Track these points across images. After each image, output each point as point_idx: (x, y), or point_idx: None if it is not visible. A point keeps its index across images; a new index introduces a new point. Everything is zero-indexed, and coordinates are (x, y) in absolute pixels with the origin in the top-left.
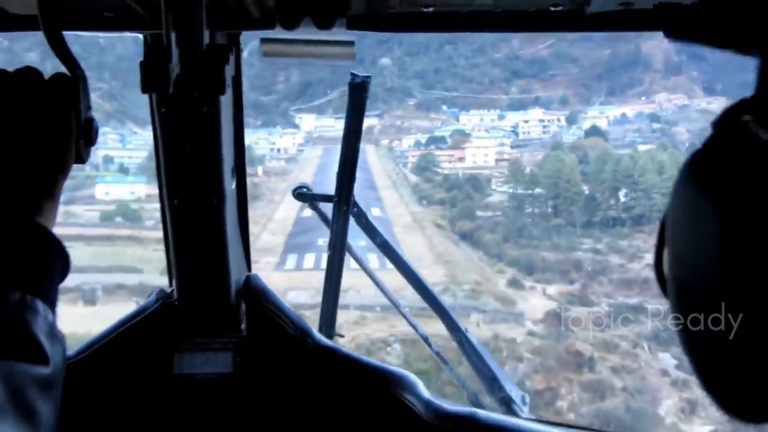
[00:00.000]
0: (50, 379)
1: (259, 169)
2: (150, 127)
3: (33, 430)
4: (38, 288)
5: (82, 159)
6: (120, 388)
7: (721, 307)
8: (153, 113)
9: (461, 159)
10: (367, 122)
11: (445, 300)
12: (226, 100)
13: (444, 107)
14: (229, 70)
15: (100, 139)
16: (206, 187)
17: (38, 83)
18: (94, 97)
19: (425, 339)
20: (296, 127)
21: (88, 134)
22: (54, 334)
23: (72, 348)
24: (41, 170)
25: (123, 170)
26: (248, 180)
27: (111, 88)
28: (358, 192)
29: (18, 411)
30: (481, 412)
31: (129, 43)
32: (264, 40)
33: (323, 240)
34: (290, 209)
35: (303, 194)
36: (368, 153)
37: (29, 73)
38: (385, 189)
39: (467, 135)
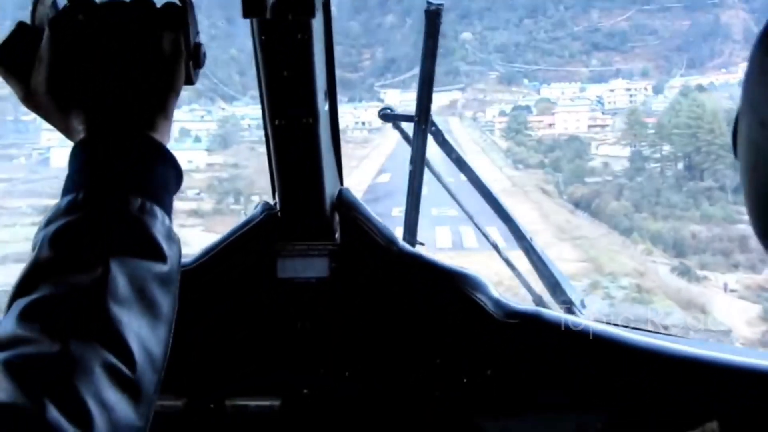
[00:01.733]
0: (169, 275)
1: (350, 137)
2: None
3: (155, 320)
4: (156, 195)
5: (191, 80)
6: (231, 290)
7: None
8: (254, 42)
9: (551, 125)
10: (450, 96)
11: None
12: (317, 28)
13: (525, 80)
14: None
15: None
16: (302, 108)
17: (152, 10)
18: None
19: (495, 246)
20: (381, 101)
21: (197, 57)
22: (171, 236)
23: (190, 256)
24: (155, 89)
25: (197, 140)
26: None
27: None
28: (443, 159)
29: (142, 302)
30: (546, 311)
31: (218, 25)
32: None
33: (399, 209)
34: (365, 175)
35: (386, 115)
36: (452, 124)
37: (144, 0)
38: (474, 154)
39: (553, 103)
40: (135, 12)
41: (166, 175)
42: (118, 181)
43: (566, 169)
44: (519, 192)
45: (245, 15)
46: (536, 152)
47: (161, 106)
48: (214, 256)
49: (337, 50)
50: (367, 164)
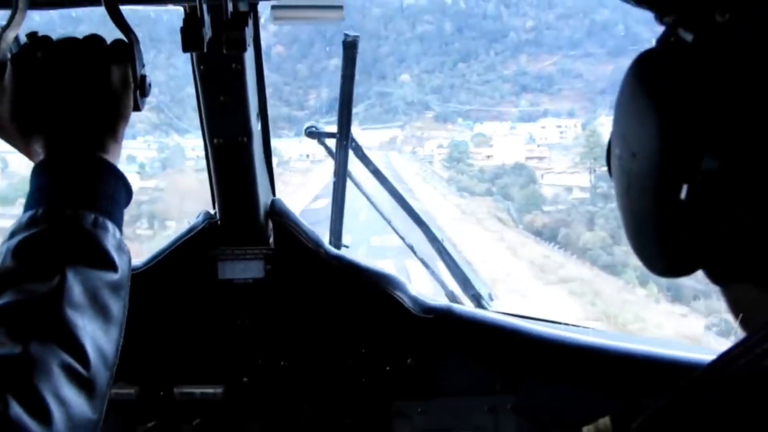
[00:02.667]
0: (119, 282)
1: (285, 170)
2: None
3: (107, 322)
4: (107, 210)
5: (138, 107)
6: (177, 290)
7: (653, 176)
8: (194, 71)
9: (489, 156)
10: (390, 133)
11: None
12: (249, 59)
13: (459, 119)
14: (248, 32)
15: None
16: (238, 129)
17: (102, 47)
18: (144, 110)
19: (411, 248)
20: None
21: (142, 87)
22: (121, 247)
23: (140, 260)
24: (106, 116)
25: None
26: (277, 178)
27: (159, 102)
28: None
29: (96, 307)
30: (456, 306)
31: (176, 65)
32: (274, 7)
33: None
34: (301, 202)
35: (312, 132)
36: (392, 158)
37: (95, 38)
38: (416, 183)
39: (488, 138)
40: (87, 49)
41: (116, 191)
42: (73, 198)
43: (518, 196)
44: (472, 220)
45: (185, 49)
46: (480, 181)
47: (111, 131)
48: (162, 260)
49: (286, 90)
50: (305, 191)
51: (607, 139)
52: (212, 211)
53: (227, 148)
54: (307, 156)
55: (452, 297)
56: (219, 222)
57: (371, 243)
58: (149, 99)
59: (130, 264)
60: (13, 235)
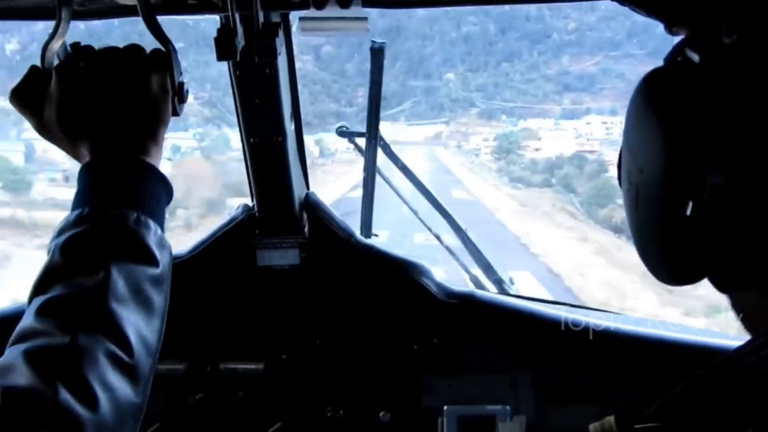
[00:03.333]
0: (160, 277)
1: (330, 160)
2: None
3: (150, 314)
4: (149, 209)
5: (177, 112)
6: (219, 276)
7: (659, 192)
8: (231, 76)
9: (537, 150)
10: (435, 128)
11: None
12: (282, 64)
13: (503, 116)
14: (280, 41)
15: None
16: (272, 129)
17: (142, 56)
18: (197, 104)
19: (437, 237)
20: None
21: (180, 93)
22: (162, 243)
23: (184, 249)
24: (146, 121)
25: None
26: (320, 168)
27: (211, 97)
28: (434, 179)
29: (138, 300)
30: (478, 292)
31: (224, 63)
32: (302, 19)
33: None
34: (340, 190)
35: (343, 132)
36: (438, 153)
37: (135, 48)
38: (464, 174)
39: (535, 132)
40: (127, 58)
41: (157, 191)
42: (116, 198)
43: (584, 188)
44: (536, 213)
45: (219, 58)
46: (533, 172)
47: (152, 135)
48: (204, 248)
49: (335, 87)
50: (345, 180)
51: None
52: (250, 204)
53: (263, 147)
54: (356, 148)
55: (476, 281)
56: (257, 213)
57: (414, 241)
58: (202, 94)
59: (171, 259)
60: (61, 232)
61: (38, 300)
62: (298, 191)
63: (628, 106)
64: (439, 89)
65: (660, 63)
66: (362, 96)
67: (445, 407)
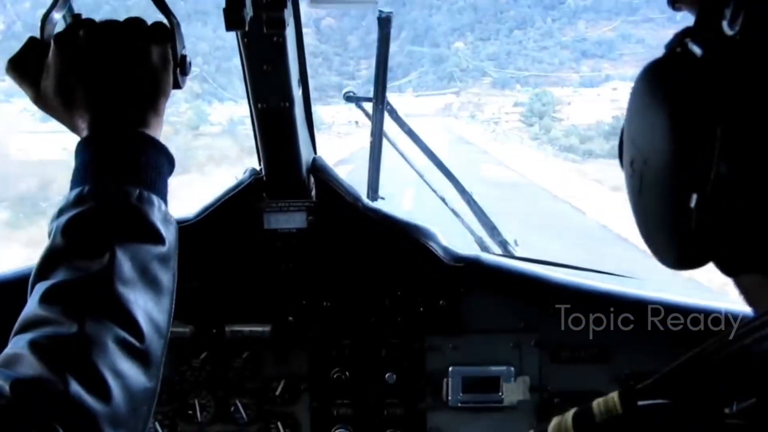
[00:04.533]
0: (167, 254)
1: (334, 131)
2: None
3: (158, 294)
4: (152, 184)
5: (179, 85)
6: (227, 239)
7: (663, 183)
8: (239, 43)
9: (564, 119)
10: (444, 99)
11: None
12: (290, 30)
13: (518, 85)
14: (287, 12)
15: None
16: (279, 95)
17: (143, 27)
18: (187, 79)
19: (443, 199)
20: None
21: (183, 66)
22: (167, 219)
23: (191, 211)
24: (146, 92)
25: None
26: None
27: (202, 71)
28: (455, 153)
29: (146, 281)
30: (484, 255)
31: (224, 37)
32: None
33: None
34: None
35: (350, 97)
36: (450, 124)
37: (137, 20)
38: (489, 144)
39: (557, 99)
40: (128, 29)
41: (159, 163)
42: (117, 174)
43: None
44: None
45: (228, 28)
46: (582, 139)
47: (152, 106)
48: (211, 212)
49: (336, 60)
50: (334, 154)
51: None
52: (258, 168)
53: (270, 113)
54: (356, 123)
55: (480, 242)
56: (264, 177)
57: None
58: (194, 69)
59: (177, 234)
60: (61, 213)
61: (42, 286)
62: (306, 155)
63: (630, 94)
64: (448, 59)
65: (682, 26)
66: (365, 69)
67: (450, 368)
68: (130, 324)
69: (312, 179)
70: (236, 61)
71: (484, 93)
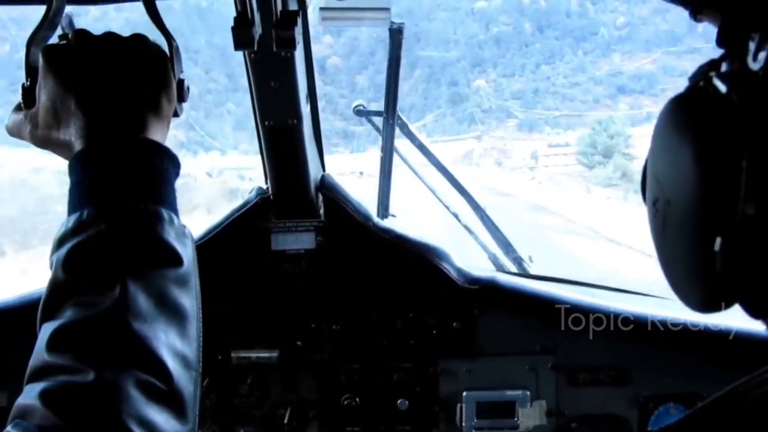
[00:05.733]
0: (185, 274)
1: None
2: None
3: (182, 322)
4: (159, 196)
5: (177, 113)
6: (233, 260)
7: (688, 225)
8: (245, 57)
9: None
10: (464, 145)
11: None
12: (299, 46)
13: (547, 127)
14: (298, 30)
15: None
16: (287, 112)
17: (142, 38)
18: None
19: (456, 216)
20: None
21: (181, 91)
22: (183, 233)
23: (196, 233)
24: (145, 89)
25: None
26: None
27: (189, 118)
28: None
29: (166, 311)
30: (500, 276)
31: (217, 79)
32: (322, 9)
33: None
34: None
35: (360, 110)
36: (472, 173)
37: (138, 36)
38: (540, 197)
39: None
40: (125, 39)
41: (167, 173)
42: (121, 190)
43: None
44: None
45: (236, 48)
46: None
47: (153, 107)
48: (217, 233)
49: (342, 103)
50: None
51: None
52: (264, 187)
53: (278, 130)
54: (361, 174)
55: (495, 259)
56: (271, 196)
57: None
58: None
59: (194, 247)
60: (61, 243)
61: (49, 327)
62: (314, 173)
63: (654, 129)
64: (468, 98)
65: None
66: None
67: (464, 393)
68: (153, 364)
69: (320, 198)
70: (229, 106)
71: (509, 137)
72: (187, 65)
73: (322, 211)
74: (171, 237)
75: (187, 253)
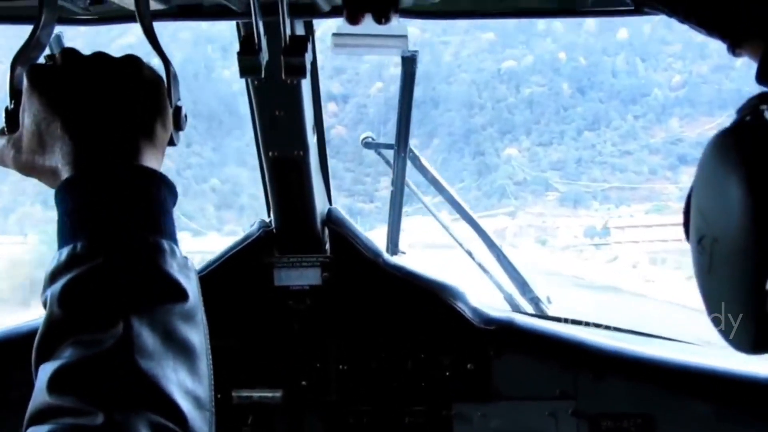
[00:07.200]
0: (192, 309)
1: None
2: None
3: (191, 359)
4: (159, 226)
5: (172, 142)
6: (234, 296)
7: (737, 265)
8: (247, 85)
9: None
10: (495, 223)
11: None
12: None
13: (594, 202)
14: (308, 56)
15: None
16: (293, 142)
17: (138, 66)
18: None
19: (469, 253)
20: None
21: (177, 119)
22: (186, 266)
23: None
24: (138, 112)
25: None
26: None
27: None
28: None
29: (173, 348)
30: (517, 317)
31: (201, 153)
32: (335, 35)
33: None
34: None
35: (369, 143)
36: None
37: (132, 58)
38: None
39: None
40: (123, 66)
41: (163, 200)
42: (115, 222)
43: None
44: None
45: (242, 75)
46: None
47: (147, 133)
48: (218, 267)
49: (349, 177)
50: None
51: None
52: (267, 220)
53: (283, 161)
54: (384, 161)
55: (510, 300)
56: (274, 230)
57: None
58: None
59: (198, 280)
60: (54, 277)
61: (49, 368)
62: (320, 206)
63: (699, 163)
64: (497, 169)
65: None
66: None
67: None
68: (165, 405)
69: (327, 232)
70: (213, 182)
71: (550, 213)
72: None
73: (328, 246)
74: (174, 270)
75: (192, 287)
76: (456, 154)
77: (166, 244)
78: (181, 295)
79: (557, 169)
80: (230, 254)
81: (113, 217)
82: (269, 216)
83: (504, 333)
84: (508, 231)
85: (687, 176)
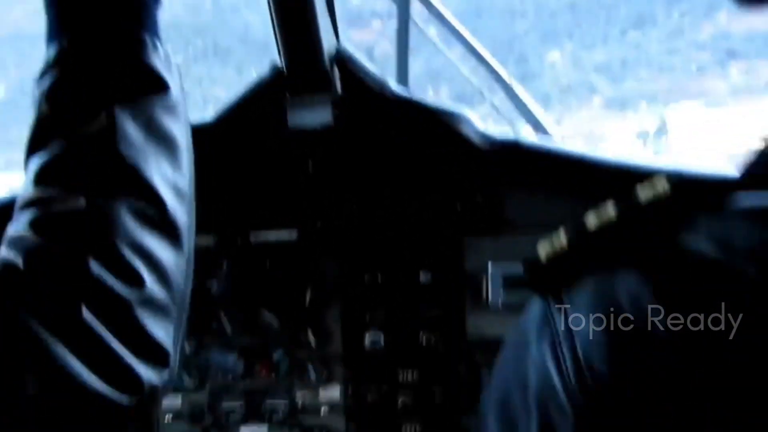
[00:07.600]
0: (174, 101)
1: None
2: None
3: (171, 151)
4: (141, 21)
5: None
6: (249, 139)
7: None
8: None
9: None
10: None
11: None
12: None
13: (643, 103)
14: None
15: None
16: None
17: None
18: None
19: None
20: None
21: None
22: (168, 60)
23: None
24: None
25: None
26: None
27: None
28: None
29: (155, 139)
30: (524, 138)
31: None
32: None
33: None
34: None
35: None
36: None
37: None
38: None
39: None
40: None
41: None
42: (99, 14)
43: None
44: None
45: None
46: None
47: None
48: (231, 113)
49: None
50: None
51: None
52: (278, 63)
53: (288, 1)
54: None
55: (512, 123)
56: (285, 72)
57: None
58: None
59: (180, 75)
60: (43, 75)
61: (36, 162)
62: (328, 45)
63: None
64: (541, 75)
65: None
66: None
67: (490, 264)
68: (147, 192)
69: (336, 70)
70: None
71: (596, 117)
72: None
73: (338, 84)
74: (156, 63)
75: (174, 81)
76: (499, 62)
77: (148, 38)
78: (163, 86)
79: (601, 72)
80: (243, 98)
81: (95, 11)
82: (280, 59)
83: (511, 155)
84: (555, 138)
85: (737, 71)
